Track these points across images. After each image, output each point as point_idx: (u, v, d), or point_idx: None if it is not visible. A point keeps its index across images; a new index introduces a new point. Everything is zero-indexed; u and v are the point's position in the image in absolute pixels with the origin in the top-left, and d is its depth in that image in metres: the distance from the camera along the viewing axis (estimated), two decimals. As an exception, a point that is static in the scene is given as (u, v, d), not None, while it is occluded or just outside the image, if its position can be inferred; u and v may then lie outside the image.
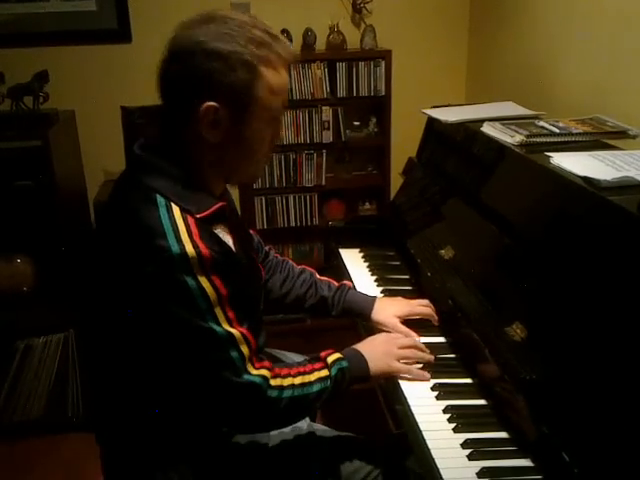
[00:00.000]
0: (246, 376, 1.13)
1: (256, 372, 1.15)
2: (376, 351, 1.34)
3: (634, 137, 1.65)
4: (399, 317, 1.52)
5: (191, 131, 1.14)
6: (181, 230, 1.08)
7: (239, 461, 1.29)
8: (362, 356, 1.31)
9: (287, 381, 1.19)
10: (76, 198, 2.78)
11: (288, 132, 2.87)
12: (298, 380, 1.20)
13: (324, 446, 1.39)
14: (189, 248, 1.06)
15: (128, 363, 1.21)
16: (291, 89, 2.81)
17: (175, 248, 1.06)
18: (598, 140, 1.66)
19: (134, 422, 1.24)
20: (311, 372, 1.23)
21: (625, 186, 1.28)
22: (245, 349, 1.14)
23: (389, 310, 1.53)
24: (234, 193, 2.91)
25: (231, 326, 1.12)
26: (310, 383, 1.21)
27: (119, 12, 2.78)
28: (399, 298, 1.61)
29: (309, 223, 3.05)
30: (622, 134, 1.67)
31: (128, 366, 1.21)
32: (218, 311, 1.10)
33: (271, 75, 1.13)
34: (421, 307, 1.55)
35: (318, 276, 1.60)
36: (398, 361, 1.34)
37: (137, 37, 2.82)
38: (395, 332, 1.48)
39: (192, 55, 1.09)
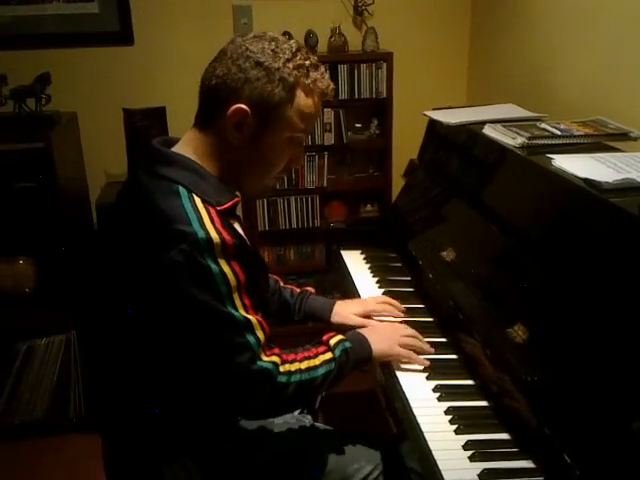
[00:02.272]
0: (259, 362, 1.16)
1: (268, 359, 1.17)
2: (379, 334, 1.39)
3: (635, 139, 1.66)
4: (356, 315, 1.57)
5: (216, 128, 1.20)
6: (204, 217, 1.12)
7: (242, 457, 1.31)
8: (364, 337, 1.35)
9: (294, 366, 1.22)
10: (78, 200, 2.78)
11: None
12: (304, 365, 1.23)
13: (326, 445, 1.40)
14: (213, 234, 1.10)
15: (136, 359, 1.22)
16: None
17: (200, 233, 1.09)
18: (600, 142, 1.67)
19: (141, 418, 1.25)
20: (315, 356, 1.26)
21: (626, 188, 1.28)
22: (261, 334, 1.17)
23: (346, 310, 1.59)
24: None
25: (247, 312, 1.15)
26: (315, 367, 1.24)
27: (121, 14, 2.78)
28: (356, 299, 1.69)
29: (311, 225, 3.06)
30: (624, 136, 1.67)
31: (136, 362, 1.22)
32: (236, 297, 1.13)
33: (305, 101, 1.19)
34: (378, 304, 1.61)
35: (282, 284, 1.65)
36: (400, 347, 1.37)
37: (139, 40, 2.82)
38: (356, 327, 1.52)
39: (239, 60, 1.16)
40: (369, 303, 1.63)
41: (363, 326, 1.54)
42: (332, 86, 1.25)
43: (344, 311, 1.58)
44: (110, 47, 2.82)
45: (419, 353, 1.40)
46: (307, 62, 1.19)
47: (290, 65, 1.17)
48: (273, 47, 1.17)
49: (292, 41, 1.22)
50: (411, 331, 1.44)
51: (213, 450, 1.27)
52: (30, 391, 2.50)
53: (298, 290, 1.64)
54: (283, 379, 1.19)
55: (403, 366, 1.39)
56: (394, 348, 1.37)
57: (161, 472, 1.24)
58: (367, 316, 1.59)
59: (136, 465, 1.28)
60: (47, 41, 2.75)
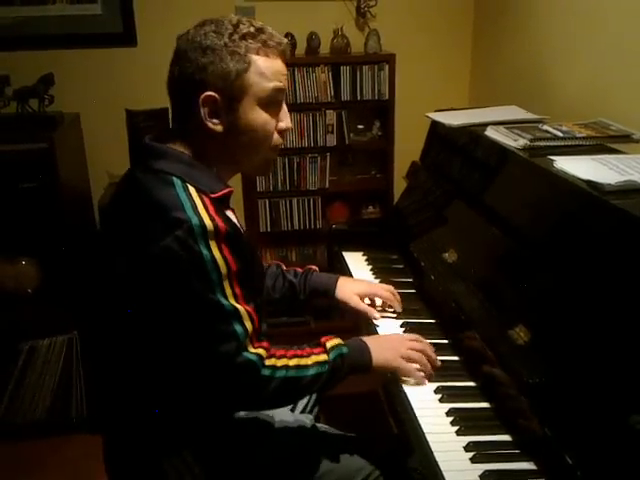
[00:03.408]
0: (245, 353, 1.16)
1: (253, 350, 1.17)
2: (383, 344, 1.35)
3: (637, 141, 1.66)
4: (359, 295, 1.59)
5: (196, 124, 1.20)
6: (198, 205, 1.13)
7: (242, 452, 1.31)
8: (366, 346, 1.32)
9: (281, 362, 1.21)
10: (80, 200, 2.79)
11: (292, 135, 2.87)
12: (293, 362, 1.22)
13: (326, 445, 1.40)
14: (207, 221, 1.11)
15: (134, 354, 1.22)
16: (295, 92, 2.82)
17: (194, 220, 1.10)
18: (602, 144, 1.67)
19: (139, 413, 1.25)
20: (308, 356, 1.25)
21: (628, 190, 1.29)
22: (249, 325, 1.17)
23: (350, 288, 1.60)
24: (237, 195, 2.94)
25: (237, 302, 1.16)
26: (306, 366, 1.23)
27: (124, 16, 2.79)
28: (362, 279, 1.74)
29: (313, 226, 3.06)
30: (626, 138, 1.67)
31: (134, 357, 1.23)
32: (226, 285, 1.14)
33: (261, 62, 1.20)
34: (382, 290, 1.62)
35: (285, 267, 1.65)
36: (403, 359, 1.34)
37: (142, 41, 2.84)
38: (356, 310, 1.58)
39: (188, 54, 1.19)
40: (375, 286, 1.65)
41: (365, 312, 1.57)
42: (284, 41, 1.25)
43: (347, 288, 1.59)
44: (113, 48, 2.83)
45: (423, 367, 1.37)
46: (251, 29, 1.20)
47: (235, 37, 1.18)
48: (214, 28, 1.19)
49: (232, 15, 1.23)
50: (419, 345, 1.38)
51: (212, 444, 1.27)
52: (32, 391, 2.50)
53: (301, 270, 1.64)
54: (267, 372, 1.18)
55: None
56: (397, 361, 1.33)
57: (161, 467, 1.24)
58: (371, 300, 1.62)
59: (136, 462, 1.28)
60: (50, 42, 2.76)
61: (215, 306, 1.13)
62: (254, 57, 1.19)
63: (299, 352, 1.25)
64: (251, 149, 1.26)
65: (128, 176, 1.25)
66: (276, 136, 1.27)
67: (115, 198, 1.28)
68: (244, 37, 1.19)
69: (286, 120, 1.28)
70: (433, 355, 1.38)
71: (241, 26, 1.20)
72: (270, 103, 1.23)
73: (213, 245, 1.12)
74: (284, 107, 1.28)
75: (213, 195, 1.18)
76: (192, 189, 1.15)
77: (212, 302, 1.13)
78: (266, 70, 1.20)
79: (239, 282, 1.17)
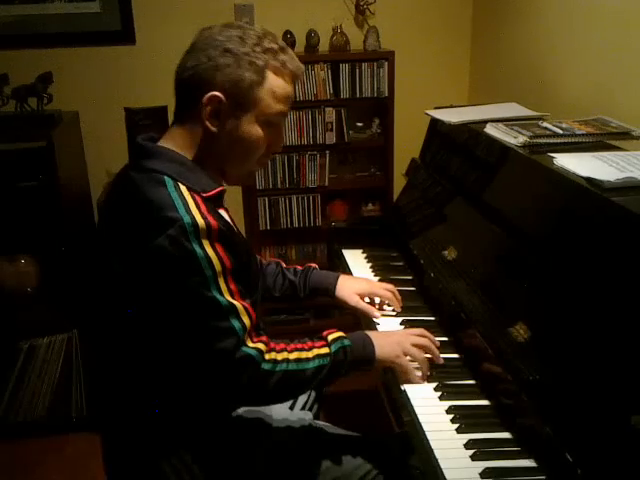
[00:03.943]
0: (244, 348, 1.16)
1: (253, 345, 1.17)
2: (388, 339, 1.35)
3: (638, 138, 1.65)
4: (359, 294, 1.59)
5: (194, 120, 1.22)
6: (190, 204, 1.14)
7: (240, 450, 1.31)
8: (369, 339, 1.32)
9: (281, 355, 1.21)
10: (80, 198, 2.79)
11: (291, 133, 2.87)
12: (293, 355, 1.22)
13: (326, 443, 1.40)
14: (199, 219, 1.12)
15: (132, 354, 1.23)
16: (294, 90, 2.82)
17: (186, 218, 1.11)
18: (601, 141, 1.67)
19: (137, 413, 1.25)
20: (310, 349, 1.25)
21: (628, 187, 1.28)
22: (247, 320, 1.17)
23: (350, 286, 1.60)
24: (237, 193, 2.94)
25: (233, 298, 1.16)
26: (307, 359, 1.23)
27: (123, 14, 2.79)
28: (362, 277, 1.74)
29: (312, 224, 3.06)
30: (626, 135, 1.67)
31: (132, 357, 1.23)
32: (221, 282, 1.15)
33: (276, 82, 1.22)
34: (382, 290, 1.62)
35: (285, 265, 1.65)
36: (405, 356, 1.33)
37: (140, 39, 2.83)
38: (356, 309, 1.58)
39: (208, 50, 1.19)
40: (375, 285, 1.65)
41: (365, 311, 1.57)
42: (302, 68, 1.27)
43: (347, 287, 1.59)
44: (112, 46, 2.83)
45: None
46: (274, 45, 1.22)
47: (258, 49, 1.19)
48: (240, 34, 1.20)
49: (258, 27, 1.25)
50: (423, 341, 1.37)
51: (211, 443, 1.27)
52: (32, 390, 2.51)
53: (301, 268, 1.64)
54: (267, 367, 1.18)
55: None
56: (399, 357, 1.32)
57: (160, 467, 1.24)
58: (371, 299, 1.62)
59: (135, 462, 1.28)
60: (49, 40, 2.76)
61: (211, 303, 1.13)
62: (269, 74, 1.21)
63: (300, 345, 1.25)
64: (238, 159, 1.27)
65: (122, 175, 1.26)
66: (265, 153, 1.29)
67: (109, 197, 1.29)
68: (266, 51, 1.20)
69: (279, 143, 1.30)
70: (436, 352, 1.38)
71: (265, 41, 1.21)
72: (270, 123, 1.25)
73: (206, 243, 1.12)
74: (281, 131, 1.30)
75: (204, 194, 1.19)
76: (183, 188, 1.16)
77: (208, 299, 1.13)
78: (278, 90, 1.22)
79: (234, 278, 1.17)
